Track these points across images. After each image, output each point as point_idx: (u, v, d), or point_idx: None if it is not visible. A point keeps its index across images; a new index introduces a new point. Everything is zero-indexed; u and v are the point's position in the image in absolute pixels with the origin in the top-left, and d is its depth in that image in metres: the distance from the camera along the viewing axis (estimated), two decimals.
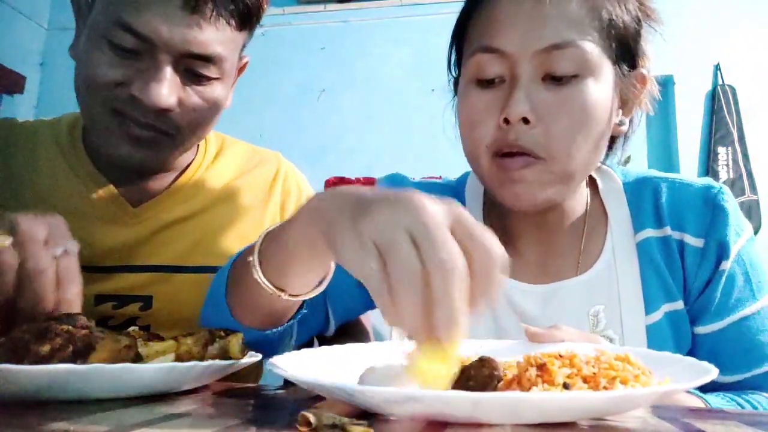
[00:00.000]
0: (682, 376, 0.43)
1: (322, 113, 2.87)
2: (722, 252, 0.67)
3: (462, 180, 0.84)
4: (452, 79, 0.77)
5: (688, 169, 2.59)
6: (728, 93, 2.66)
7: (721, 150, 2.63)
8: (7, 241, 0.52)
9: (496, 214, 0.78)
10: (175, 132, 0.74)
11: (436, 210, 0.39)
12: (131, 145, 0.72)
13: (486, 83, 0.65)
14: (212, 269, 0.81)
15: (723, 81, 2.67)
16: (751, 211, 2.63)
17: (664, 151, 2.77)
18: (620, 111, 0.69)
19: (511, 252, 0.74)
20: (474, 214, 0.78)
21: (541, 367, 0.42)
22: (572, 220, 0.74)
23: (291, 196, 0.94)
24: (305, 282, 0.56)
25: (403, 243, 0.37)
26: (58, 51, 3.19)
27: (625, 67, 0.66)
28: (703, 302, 0.69)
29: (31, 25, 2.97)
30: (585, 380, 0.42)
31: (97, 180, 0.81)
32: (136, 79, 0.69)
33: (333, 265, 0.57)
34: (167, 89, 0.70)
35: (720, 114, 2.65)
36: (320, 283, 0.58)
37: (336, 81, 2.88)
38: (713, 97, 2.67)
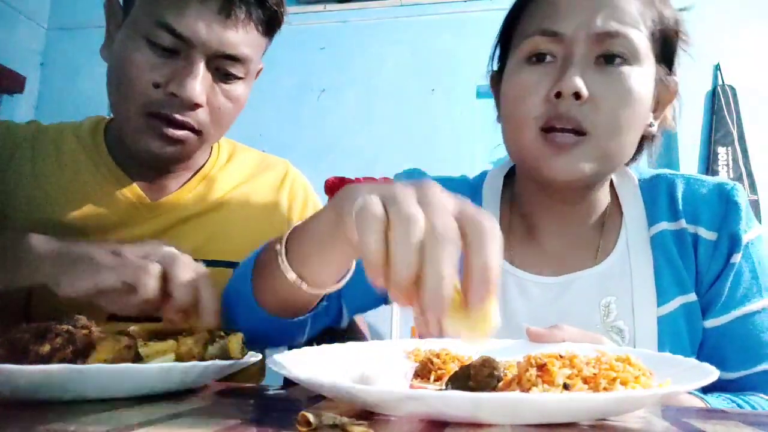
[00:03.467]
0: (684, 378, 0.43)
1: (322, 113, 2.86)
2: (734, 245, 0.69)
3: (480, 178, 0.86)
4: (491, 72, 0.80)
5: (688, 169, 2.59)
6: (728, 93, 2.66)
7: (721, 150, 2.63)
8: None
9: (519, 209, 0.81)
10: (202, 128, 0.79)
11: (445, 194, 0.41)
12: (163, 143, 0.78)
13: (537, 61, 0.68)
14: (224, 264, 0.87)
15: (723, 81, 2.67)
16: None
17: (664, 151, 2.77)
18: (651, 114, 0.72)
19: (532, 246, 0.77)
20: (492, 211, 0.80)
21: (542, 368, 0.42)
22: (595, 216, 0.77)
23: (297, 199, 0.99)
24: (327, 275, 0.58)
25: (409, 199, 0.39)
26: (58, 51, 3.18)
27: (664, 68, 0.70)
28: (712, 295, 0.70)
29: (31, 25, 2.97)
30: (585, 381, 0.42)
31: (117, 176, 0.86)
32: (172, 79, 0.75)
33: (353, 264, 0.60)
34: (201, 85, 0.75)
35: (720, 114, 2.65)
36: (340, 280, 0.60)
37: (336, 81, 2.88)
38: (713, 97, 2.67)
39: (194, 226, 0.89)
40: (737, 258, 0.69)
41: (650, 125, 0.73)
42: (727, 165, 2.62)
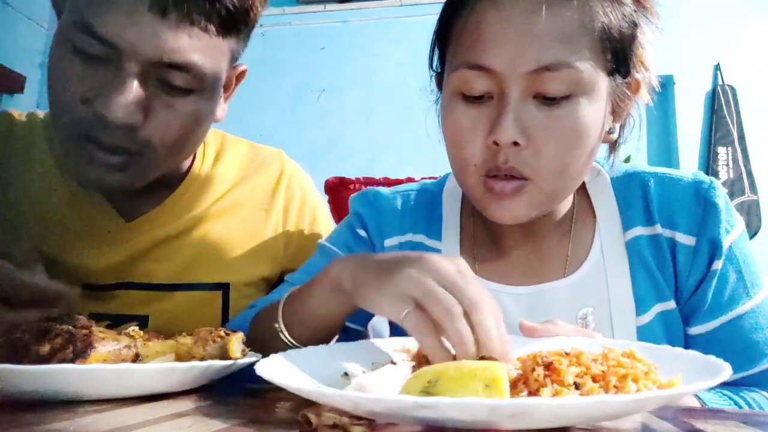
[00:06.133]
0: (694, 372, 0.42)
1: (322, 113, 2.87)
2: (714, 251, 0.66)
3: (440, 184, 0.82)
4: (434, 75, 0.73)
5: (688, 169, 2.59)
6: (728, 93, 2.66)
7: (721, 150, 2.63)
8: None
9: (480, 217, 0.75)
10: (147, 151, 0.67)
11: (448, 265, 0.49)
12: (100, 170, 0.66)
13: (472, 98, 0.62)
14: (211, 286, 0.80)
15: (723, 81, 2.67)
16: (751, 211, 2.63)
17: (664, 151, 2.77)
18: (611, 118, 0.67)
19: (496, 254, 0.74)
20: (451, 219, 0.77)
21: (549, 366, 0.41)
22: (558, 219, 0.73)
23: (294, 200, 0.90)
24: (324, 335, 0.62)
25: (438, 289, 0.47)
26: None
27: (618, 77, 0.63)
28: (695, 302, 0.67)
29: (31, 25, 2.97)
30: (594, 379, 0.40)
31: (89, 194, 0.76)
32: (100, 93, 0.62)
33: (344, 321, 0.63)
34: (131, 102, 0.62)
35: (720, 114, 2.65)
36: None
37: (336, 81, 2.89)
38: (713, 97, 2.68)
39: (175, 246, 0.79)
40: (719, 264, 0.65)
41: (610, 132, 0.67)
42: (727, 165, 2.63)
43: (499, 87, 0.60)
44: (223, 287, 0.81)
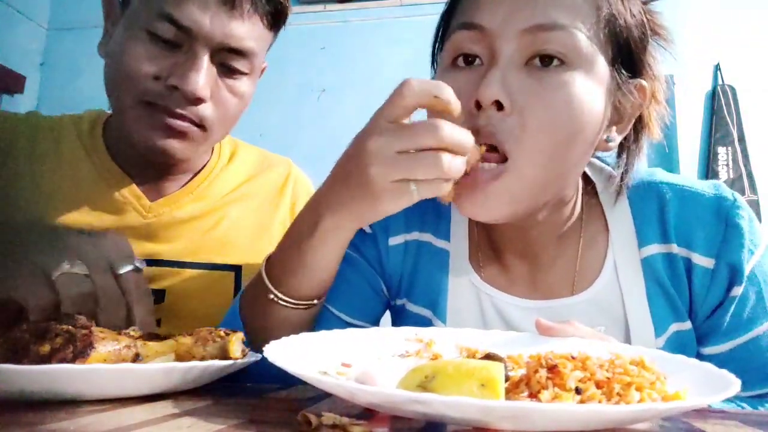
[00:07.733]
0: (702, 386, 0.41)
1: (322, 113, 2.86)
2: (735, 276, 0.62)
3: None
4: (435, 74, 0.70)
5: (688, 169, 2.59)
6: (728, 93, 2.66)
7: (721, 150, 2.63)
8: (82, 270, 0.58)
9: (481, 224, 0.72)
10: (206, 124, 0.77)
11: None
12: (164, 135, 0.75)
13: (463, 64, 0.59)
14: (222, 267, 0.87)
15: (723, 81, 2.67)
16: None
17: (664, 151, 2.77)
18: (613, 127, 0.63)
19: (498, 264, 0.71)
20: (460, 221, 0.74)
21: (553, 369, 0.40)
22: (563, 230, 0.68)
23: (300, 200, 0.96)
24: (312, 281, 0.61)
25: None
26: (58, 51, 3.18)
27: (624, 72, 0.59)
28: (711, 324, 0.64)
29: (31, 25, 2.96)
30: (598, 385, 0.40)
31: (116, 176, 0.85)
32: (174, 71, 0.73)
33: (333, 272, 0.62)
34: (204, 79, 0.73)
35: (720, 114, 2.65)
36: (321, 295, 0.63)
37: (336, 81, 2.88)
38: (713, 97, 2.67)
39: (192, 227, 0.87)
40: (739, 291, 0.62)
41: (608, 140, 0.62)
42: (727, 165, 2.62)
43: (491, 49, 0.57)
44: (236, 269, 0.88)
